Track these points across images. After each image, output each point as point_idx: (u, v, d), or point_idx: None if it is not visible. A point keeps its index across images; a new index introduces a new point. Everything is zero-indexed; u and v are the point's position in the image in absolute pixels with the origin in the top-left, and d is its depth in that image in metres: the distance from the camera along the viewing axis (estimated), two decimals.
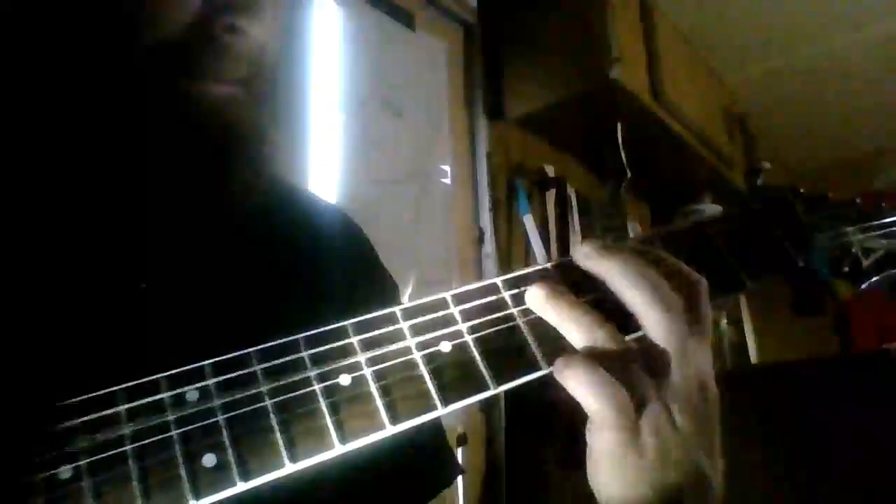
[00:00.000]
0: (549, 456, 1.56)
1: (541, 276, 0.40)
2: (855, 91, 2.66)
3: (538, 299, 0.39)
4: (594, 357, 0.36)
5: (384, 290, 0.61)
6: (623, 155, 1.91)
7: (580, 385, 0.36)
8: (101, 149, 0.42)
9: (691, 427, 0.38)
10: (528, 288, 0.39)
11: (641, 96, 1.86)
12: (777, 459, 1.52)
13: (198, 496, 0.30)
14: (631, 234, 2.08)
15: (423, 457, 0.53)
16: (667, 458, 0.37)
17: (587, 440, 0.38)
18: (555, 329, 0.38)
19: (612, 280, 0.39)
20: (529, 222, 1.85)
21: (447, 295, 0.39)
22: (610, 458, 0.37)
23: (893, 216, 0.49)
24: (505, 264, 1.80)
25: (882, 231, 0.48)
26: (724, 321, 2.67)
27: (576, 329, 0.38)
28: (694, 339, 0.38)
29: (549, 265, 0.41)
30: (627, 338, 0.38)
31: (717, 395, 0.40)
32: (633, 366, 0.37)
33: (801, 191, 0.51)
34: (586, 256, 0.41)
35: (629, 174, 1.93)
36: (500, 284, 0.40)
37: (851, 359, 2.10)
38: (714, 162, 2.30)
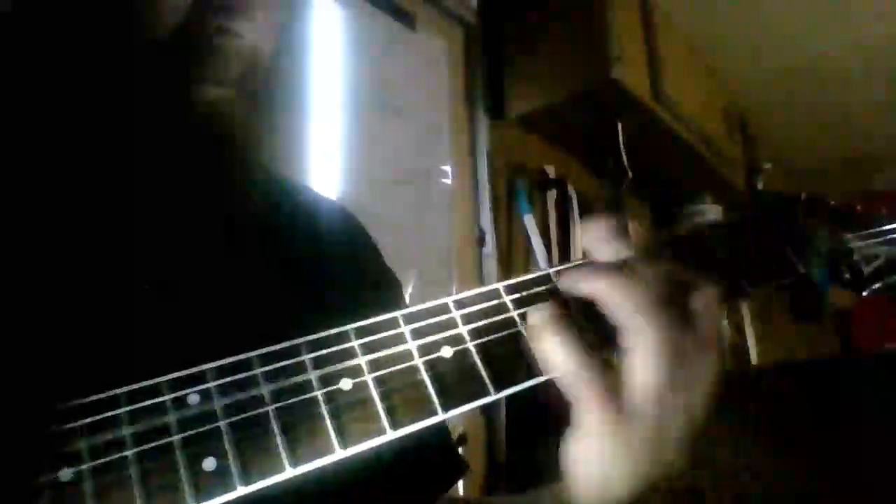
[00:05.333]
0: (549, 456, 1.56)
1: (547, 301, 0.39)
2: (855, 91, 2.66)
3: (536, 327, 0.38)
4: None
5: (388, 285, 0.61)
6: (624, 155, 1.91)
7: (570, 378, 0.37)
8: (97, 150, 0.42)
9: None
10: (530, 312, 0.39)
11: (642, 96, 1.85)
12: (777, 459, 1.52)
13: (198, 500, 0.30)
14: (632, 234, 2.07)
15: (429, 456, 0.53)
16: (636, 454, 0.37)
17: (573, 419, 0.38)
18: None
19: (602, 305, 0.39)
20: (530, 222, 1.85)
21: (449, 300, 0.39)
22: (591, 439, 0.37)
23: (894, 223, 0.48)
24: (505, 265, 1.80)
25: (883, 238, 0.48)
26: (724, 321, 2.67)
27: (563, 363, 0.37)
28: (686, 361, 0.38)
29: (551, 271, 0.41)
30: None
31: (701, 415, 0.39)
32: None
33: (803, 197, 0.51)
34: (574, 281, 0.40)
35: (630, 174, 1.93)
36: (501, 290, 0.40)
37: (852, 359, 2.11)
38: (714, 162, 2.30)
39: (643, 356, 0.36)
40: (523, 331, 0.38)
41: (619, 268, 0.39)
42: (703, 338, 0.39)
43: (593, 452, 0.38)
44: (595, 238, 0.41)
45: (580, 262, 0.42)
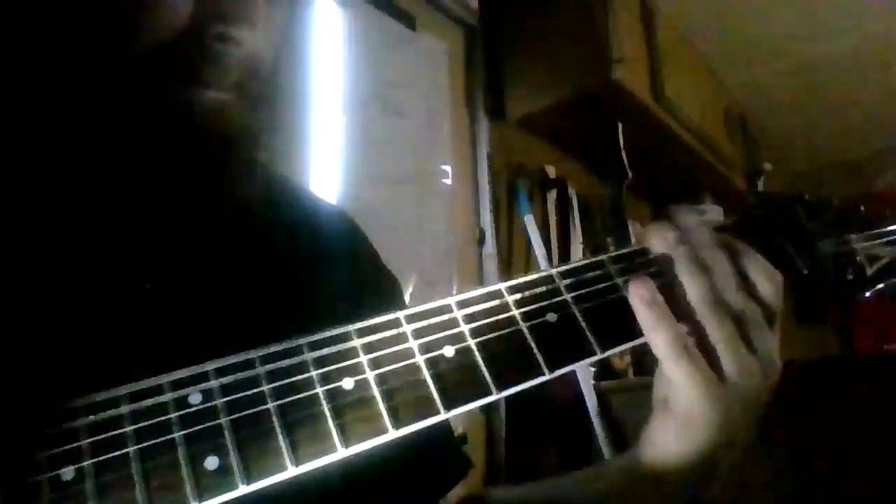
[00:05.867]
0: (549, 456, 1.56)
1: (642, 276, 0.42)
2: (855, 92, 2.66)
3: (640, 296, 0.41)
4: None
5: (386, 286, 0.61)
6: (624, 155, 1.91)
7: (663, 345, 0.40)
8: (96, 154, 0.42)
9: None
10: (638, 281, 0.42)
11: (642, 97, 1.86)
12: (777, 459, 1.52)
13: (200, 499, 0.30)
14: (632, 235, 2.08)
15: (433, 454, 0.53)
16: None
17: (662, 392, 0.42)
18: (558, 334, 0.39)
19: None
20: (530, 223, 1.85)
21: (451, 299, 0.39)
22: (687, 402, 0.40)
23: None
24: (506, 265, 1.80)
25: (886, 238, 0.48)
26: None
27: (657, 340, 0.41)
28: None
29: (553, 271, 0.41)
30: None
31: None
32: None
33: (806, 197, 0.51)
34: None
35: (630, 174, 1.93)
36: (504, 290, 0.40)
37: (852, 359, 2.11)
38: (714, 162, 2.30)
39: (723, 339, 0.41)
40: (525, 330, 0.38)
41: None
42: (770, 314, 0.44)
43: (684, 416, 0.41)
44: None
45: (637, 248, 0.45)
